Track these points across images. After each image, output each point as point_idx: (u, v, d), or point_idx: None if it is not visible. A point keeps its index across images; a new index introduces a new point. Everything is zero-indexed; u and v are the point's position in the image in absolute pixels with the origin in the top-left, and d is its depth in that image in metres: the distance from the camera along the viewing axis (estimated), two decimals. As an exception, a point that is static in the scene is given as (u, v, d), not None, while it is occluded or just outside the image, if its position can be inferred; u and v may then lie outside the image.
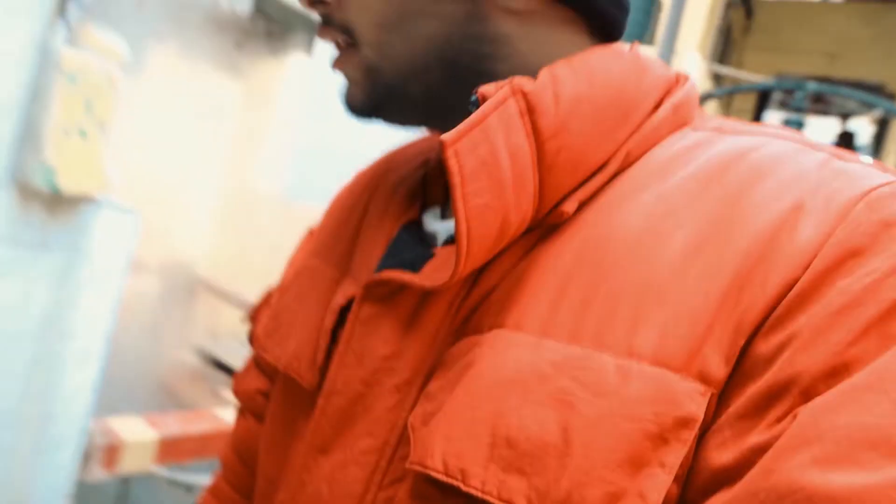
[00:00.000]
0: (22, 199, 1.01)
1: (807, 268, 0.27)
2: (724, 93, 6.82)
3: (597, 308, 0.32)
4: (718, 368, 0.28)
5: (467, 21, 0.38)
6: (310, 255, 0.52)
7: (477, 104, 0.34)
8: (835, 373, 0.25)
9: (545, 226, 0.36)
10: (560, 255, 0.35)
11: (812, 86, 3.79)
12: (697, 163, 0.34)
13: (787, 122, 3.74)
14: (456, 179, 0.32)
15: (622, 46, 0.40)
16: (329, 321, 0.44)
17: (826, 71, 7.17)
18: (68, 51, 0.98)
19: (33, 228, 1.03)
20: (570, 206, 0.36)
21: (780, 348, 0.27)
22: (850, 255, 0.27)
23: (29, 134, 0.99)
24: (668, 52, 6.13)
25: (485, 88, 0.34)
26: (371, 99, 0.40)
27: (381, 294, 0.40)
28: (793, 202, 0.29)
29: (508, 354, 0.32)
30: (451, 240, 0.40)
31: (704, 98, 6.26)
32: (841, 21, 7.51)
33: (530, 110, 0.34)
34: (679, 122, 0.38)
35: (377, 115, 0.42)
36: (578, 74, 0.36)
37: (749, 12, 8.93)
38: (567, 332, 0.32)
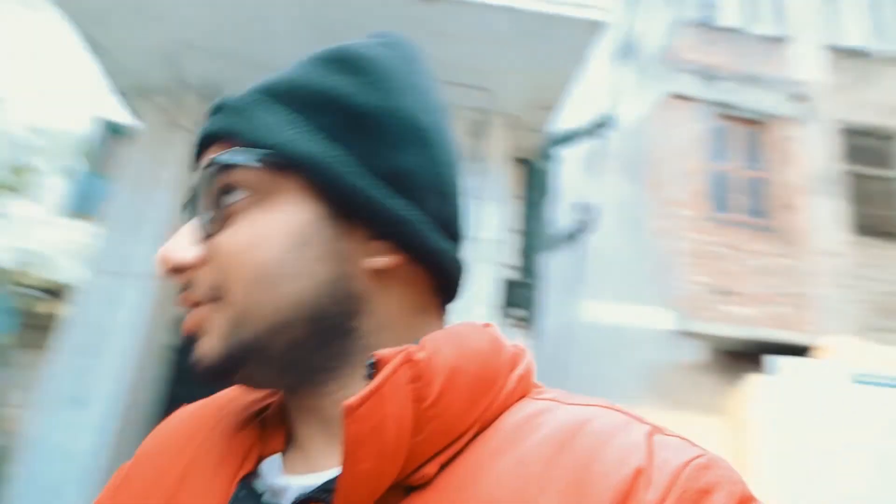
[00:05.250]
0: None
1: None
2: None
3: None
4: None
5: (336, 281, 0.42)
6: None
7: (373, 367, 0.37)
8: None
9: (404, 486, 0.38)
10: None
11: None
12: (546, 429, 0.39)
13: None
14: (350, 446, 0.35)
15: (481, 324, 0.45)
16: None
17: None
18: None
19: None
20: (431, 469, 0.38)
21: None
22: None
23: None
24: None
25: (381, 353, 0.37)
26: (230, 355, 0.41)
27: None
28: (635, 468, 0.35)
29: None
30: (304, 499, 0.40)
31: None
32: None
33: (417, 378, 0.37)
34: (522, 391, 0.43)
35: (232, 373, 0.41)
36: (455, 348, 0.40)
37: None
38: None
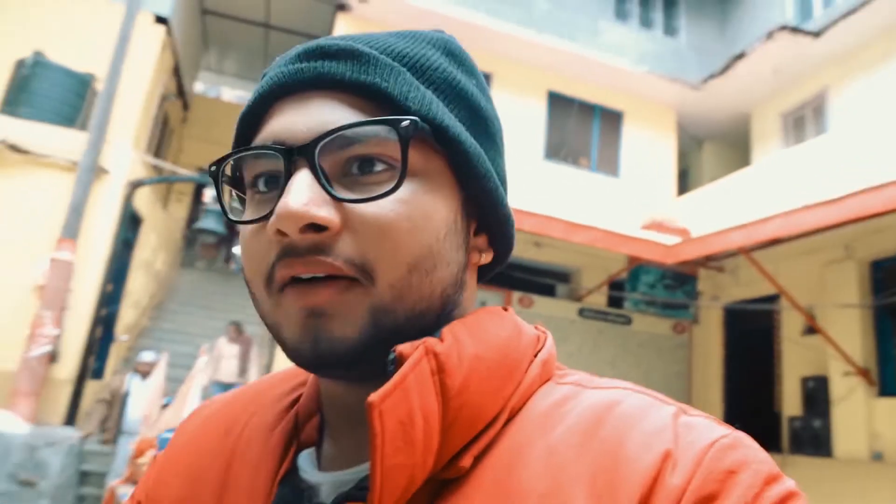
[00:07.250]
0: None
1: None
2: (157, 181, 7.16)
3: None
4: None
5: (462, 271, 0.43)
6: None
7: (395, 362, 0.36)
8: None
9: (439, 480, 0.38)
10: None
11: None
12: (572, 417, 0.39)
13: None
14: (378, 441, 0.34)
15: (501, 309, 0.46)
16: None
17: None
18: None
19: None
20: (466, 461, 0.38)
21: None
22: (707, 500, 0.34)
23: None
24: (99, 141, 5.88)
25: (402, 348, 0.37)
26: (365, 346, 0.38)
27: None
28: (662, 452, 0.35)
29: None
30: (342, 498, 0.39)
31: (138, 185, 6.35)
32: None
33: (440, 370, 0.37)
34: (545, 376, 0.44)
35: (359, 364, 0.39)
36: (475, 336, 0.40)
37: (186, 105, 9.82)
38: None
